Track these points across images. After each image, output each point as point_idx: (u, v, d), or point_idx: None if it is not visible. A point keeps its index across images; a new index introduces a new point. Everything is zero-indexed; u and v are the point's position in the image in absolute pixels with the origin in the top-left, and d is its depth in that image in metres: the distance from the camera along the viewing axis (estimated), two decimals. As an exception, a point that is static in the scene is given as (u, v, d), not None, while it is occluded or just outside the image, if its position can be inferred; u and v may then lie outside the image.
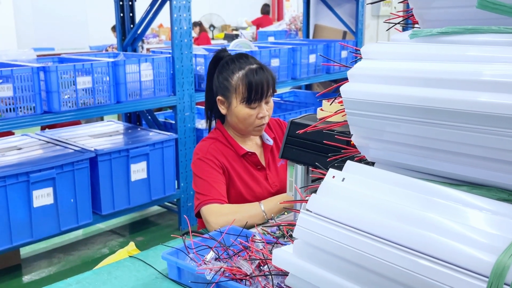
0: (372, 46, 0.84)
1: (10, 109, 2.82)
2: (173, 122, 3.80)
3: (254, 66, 1.86)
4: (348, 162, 0.82)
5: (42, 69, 2.94)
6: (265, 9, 11.01)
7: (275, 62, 4.21)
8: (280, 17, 12.37)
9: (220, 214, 1.73)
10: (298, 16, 7.53)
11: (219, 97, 1.89)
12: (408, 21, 1.04)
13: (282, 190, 1.94)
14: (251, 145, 1.98)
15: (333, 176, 0.81)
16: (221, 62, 1.91)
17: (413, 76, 0.76)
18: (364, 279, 0.71)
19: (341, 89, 0.82)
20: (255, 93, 1.81)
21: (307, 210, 0.80)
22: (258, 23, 10.50)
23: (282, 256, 0.82)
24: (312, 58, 4.56)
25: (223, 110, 1.90)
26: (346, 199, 0.77)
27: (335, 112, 0.95)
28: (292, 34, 7.51)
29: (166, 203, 4.01)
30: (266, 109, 1.87)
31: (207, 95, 1.98)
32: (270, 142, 2.00)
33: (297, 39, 6.68)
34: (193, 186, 1.88)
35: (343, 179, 0.79)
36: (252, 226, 1.65)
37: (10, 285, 3.03)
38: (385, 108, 0.77)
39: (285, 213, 1.80)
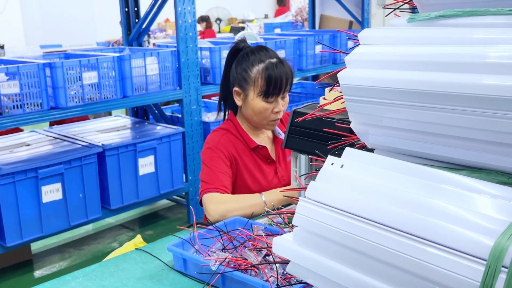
0: (369, 31, 0.83)
1: (17, 105, 2.84)
2: (180, 115, 3.81)
3: (274, 60, 1.84)
4: (347, 148, 0.82)
5: (48, 65, 2.95)
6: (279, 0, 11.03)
7: (280, 54, 4.18)
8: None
9: (219, 202, 1.73)
10: (304, 7, 7.50)
11: (235, 88, 1.88)
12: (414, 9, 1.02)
13: (290, 183, 1.92)
14: (263, 138, 1.98)
15: (332, 163, 0.80)
16: (240, 52, 1.89)
17: (413, 60, 0.75)
18: (363, 264, 0.71)
19: (339, 75, 0.81)
20: (273, 87, 1.80)
21: (306, 197, 0.79)
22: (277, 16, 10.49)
23: (282, 244, 0.82)
24: (318, 49, 4.54)
25: (238, 101, 1.89)
26: (345, 185, 0.76)
27: (334, 99, 0.94)
28: (299, 25, 7.48)
29: (175, 197, 4.03)
30: (281, 104, 1.86)
31: (222, 85, 1.97)
32: (282, 135, 1.98)
33: (303, 30, 6.65)
34: (200, 175, 1.88)
35: (342, 166, 0.79)
36: (252, 216, 1.67)
37: (21, 280, 3.07)
38: (383, 93, 0.77)
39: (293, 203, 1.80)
